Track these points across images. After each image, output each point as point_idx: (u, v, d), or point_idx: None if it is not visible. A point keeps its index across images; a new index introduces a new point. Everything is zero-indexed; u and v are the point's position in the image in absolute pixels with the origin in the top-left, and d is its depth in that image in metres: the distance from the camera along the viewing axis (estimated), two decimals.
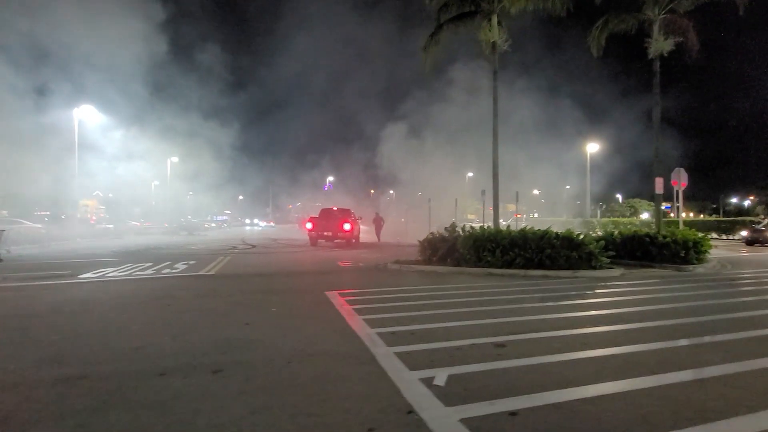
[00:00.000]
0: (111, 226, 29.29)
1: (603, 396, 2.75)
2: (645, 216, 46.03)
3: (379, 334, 4.17)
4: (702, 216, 60.47)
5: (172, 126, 37.59)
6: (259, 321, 4.75)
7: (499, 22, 11.50)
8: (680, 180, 13.24)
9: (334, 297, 6.22)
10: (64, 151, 27.03)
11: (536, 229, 9.85)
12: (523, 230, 9.84)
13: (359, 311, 5.25)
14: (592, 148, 34.07)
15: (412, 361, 3.36)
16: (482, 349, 3.73)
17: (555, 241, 9.25)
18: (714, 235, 26.26)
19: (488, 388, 2.86)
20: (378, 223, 21.20)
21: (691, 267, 10.06)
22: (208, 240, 24.83)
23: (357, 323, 4.64)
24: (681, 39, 12.48)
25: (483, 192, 21.17)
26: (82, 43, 29.85)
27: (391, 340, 3.99)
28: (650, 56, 12.29)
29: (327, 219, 18.30)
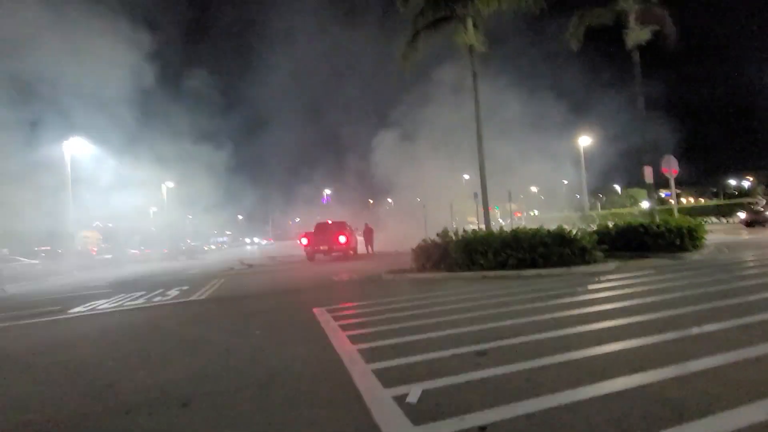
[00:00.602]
0: (109, 256, 29.25)
1: (580, 401, 2.66)
2: (645, 205, 45.84)
3: (360, 351, 4.08)
4: (702, 200, 60.26)
5: (167, 152, 37.84)
6: (239, 346, 4.66)
7: (475, 25, 11.56)
8: (671, 167, 13.16)
9: (322, 314, 6.13)
10: (60, 184, 27.18)
11: (528, 228, 9.77)
12: (514, 230, 9.75)
13: (344, 327, 5.16)
14: (585, 141, 34.00)
15: (388, 378, 3.27)
16: (462, 359, 3.63)
17: (547, 239, 9.15)
18: (714, 219, 26.12)
19: (462, 401, 2.76)
20: (368, 233, 20.83)
21: (686, 254, 9.94)
22: (206, 263, 24.77)
23: (339, 340, 4.55)
24: (658, 27, 12.53)
25: (475, 194, 21.08)
26: (74, 76, 30.16)
27: (371, 356, 3.90)
28: (628, 47, 12.33)
29: (322, 233, 18.23)
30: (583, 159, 32.81)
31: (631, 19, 12.31)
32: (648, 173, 11.32)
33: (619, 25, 12.84)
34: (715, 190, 68.02)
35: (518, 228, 9.86)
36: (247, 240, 73.38)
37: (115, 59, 30.94)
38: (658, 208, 24.65)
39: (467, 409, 2.64)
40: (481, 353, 3.76)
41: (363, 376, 3.37)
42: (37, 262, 22.20)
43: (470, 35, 10.93)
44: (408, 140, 35.43)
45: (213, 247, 49.97)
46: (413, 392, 2.95)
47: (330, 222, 19.98)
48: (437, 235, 11.04)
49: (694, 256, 9.94)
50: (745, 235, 16.13)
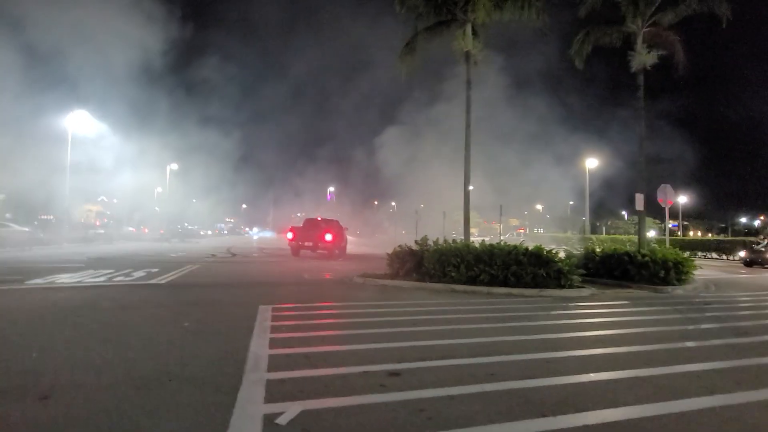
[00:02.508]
0: (102, 231, 29.28)
1: None
2: (651, 234, 44.98)
3: (271, 356, 3.79)
4: (710, 234, 59.10)
5: (176, 135, 37.93)
6: (155, 338, 4.39)
7: (475, 32, 11.27)
8: (666, 197, 12.73)
9: (265, 311, 5.85)
10: (66, 156, 27.29)
11: (506, 244, 9.42)
12: (491, 245, 9.40)
13: (276, 328, 4.87)
14: (592, 163, 33.40)
15: (276, 392, 2.98)
16: (370, 379, 3.33)
17: (522, 257, 8.79)
18: (714, 255, 25.40)
19: (334, 429, 2.46)
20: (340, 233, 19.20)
21: (669, 288, 9.49)
22: (195, 247, 24.66)
23: (260, 342, 4.27)
24: (665, 52, 12.13)
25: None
26: (86, 50, 30.30)
27: (277, 363, 3.61)
28: (633, 70, 11.93)
29: (309, 229, 17.97)
30: (587, 181, 32.24)
31: (639, 42, 11.93)
32: (639, 201, 10.90)
33: (627, 46, 12.48)
34: (723, 225, 66.68)
35: (495, 243, 9.50)
36: (247, 229, 73.77)
37: (129, 39, 31.02)
38: (656, 238, 23.96)
39: None
40: (394, 374, 3.45)
41: (252, 385, 3.08)
42: (27, 229, 22.19)
43: (468, 41, 10.63)
44: (412, 147, 35.19)
45: (210, 232, 50.03)
46: (290, 412, 2.65)
47: (320, 219, 19.71)
48: (416, 242, 10.73)
49: (677, 290, 9.50)
50: (741, 274, 15.56)
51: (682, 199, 50.44)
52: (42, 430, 2.35)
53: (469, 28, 10.81)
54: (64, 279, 8.95)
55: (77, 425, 2.42)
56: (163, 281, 9.04)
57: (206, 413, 2.61)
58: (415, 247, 10.48)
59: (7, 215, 36.60)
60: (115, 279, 9.16)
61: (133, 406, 2.69)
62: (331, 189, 65.74)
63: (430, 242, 10.41)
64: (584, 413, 2.77)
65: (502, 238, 32.32)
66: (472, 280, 8.90)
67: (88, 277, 9.27)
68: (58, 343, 4.11)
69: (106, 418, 2.50)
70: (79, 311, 5.61)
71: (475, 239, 14.44)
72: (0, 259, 13.82)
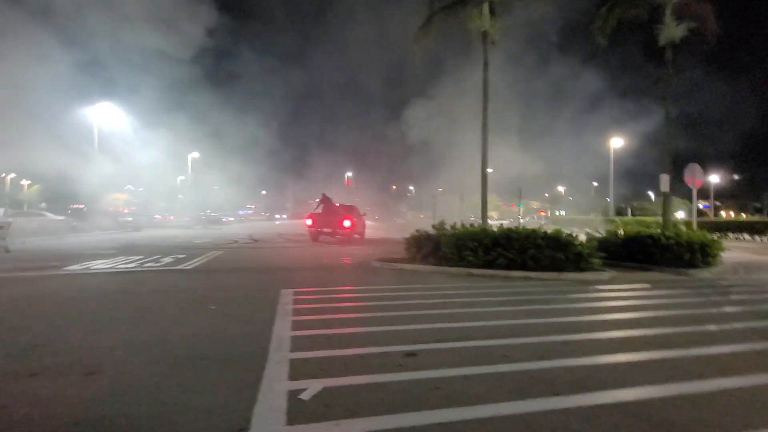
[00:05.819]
0: (130, 219, 30.44)
1: (475, 419, 2.46)
2: (681, 215, 43.40)
3: (293, 338, 3.99)
4: (744, 215, 56.60)
5: (199, 124, 38.66)
6: (185, 320, 4.67)
7: (493, 11, 10.97)
8: (695, 177, 12.29)
9: (287, 295, 6.08)
10: (96, 146, 28.31)
11: (523, 227, 9.37)
12: (508, 229, 9.36)
13: (297, 311, 5.09)
14: (617, 143, 32.26)
15: (299, 370, 3.16)
16: (387, 358, 3.48)
17: (540, 241, 8.74)
18: (747, 237, 24.41)
19: (354, 404, 2.62)
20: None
21: (694, 271, 9.27)
22: (218, 234, 25.37)
23: (283, 324, 4.48)
24: (696, 25, 11.52)
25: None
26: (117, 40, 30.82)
27: (300, 344, 3.80)
28: (660, 44, 11.41)
29: (327, 216, 18.22)
30: (612, 161, 31.25)
31: (667, 14, 11.37)
32: (664, 181, 10.58)
33: (654, 19, 11.90)
34: (758, 205, 63.63)
35: (513, 227, 9.46)
36: (268, 215, 75.37)
37: (147, 24, 31.39)
38: (685, 219, 23.18)
39: (353, 413, 2.50)
40: (411, 354, 3.59)
41: (277, 364, 3.28)
42: (62, 218, 23.28)
43: (485, 20, 10.37)
44: (430, 130, 34.77)
45: (231, 219, 51.26)
46: (312, 388, 2.83)
47: (338, 204, 19.92)
48: (432, 226, 10.79)
49: (702, 273, 9.28)
50: None
51: (714, 179, 48.32)
52: (90, 403, 2.59)
53: (486, 7, 10.53)
54: (99, 265, 9.47)
55: (121, 399, 2.66)
56: (189, 267, 9.44)
57: (236, 389, 2.82)
58: (432, 231, 10.55)
59: (42, 204, 38.44)
60: (145, 265, 9.63)
61: (170, 382, 2.92)
62: (349, 174, 65.92)
63: (447, 226, 10.47)
64: (596, 393, 2.85)
65: (521, 221, 31.92)
66: (489, 264, 8.93)
67: (120, 263, 9.77)
68: (98, 324, 4.43)
69: (146, 393, 2.74)
70: (114, 295, 5.98)
71: (494, 222, 14.36)
72: (38, 246, 14.66)
